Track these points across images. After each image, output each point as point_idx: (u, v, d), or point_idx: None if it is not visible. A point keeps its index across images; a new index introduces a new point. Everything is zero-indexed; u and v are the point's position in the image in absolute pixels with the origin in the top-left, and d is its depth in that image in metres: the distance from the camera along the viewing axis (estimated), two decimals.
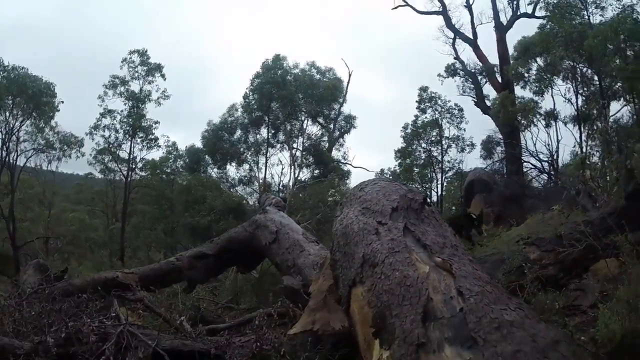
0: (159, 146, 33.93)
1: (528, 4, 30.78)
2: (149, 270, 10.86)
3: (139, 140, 32.63)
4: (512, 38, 30.64)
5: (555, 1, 26.09)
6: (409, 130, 34.02)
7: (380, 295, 4.17)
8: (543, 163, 24.81)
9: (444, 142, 33.22)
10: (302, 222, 22.87)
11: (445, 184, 33.90)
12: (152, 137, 33.08)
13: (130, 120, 32.07)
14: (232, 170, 36.75)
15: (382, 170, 37.16)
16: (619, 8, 23.73)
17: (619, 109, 24.59)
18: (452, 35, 33.18)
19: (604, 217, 9.72)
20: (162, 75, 32.70)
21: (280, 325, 7.69)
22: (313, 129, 37.85)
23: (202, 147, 36.29)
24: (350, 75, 38.86)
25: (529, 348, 3.16)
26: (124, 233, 30.91)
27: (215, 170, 36.74)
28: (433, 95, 33.68)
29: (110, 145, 32.51)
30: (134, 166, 33.19)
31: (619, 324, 5.65)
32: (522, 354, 3.11)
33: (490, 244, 12.57)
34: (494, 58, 31.53)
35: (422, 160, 33.82)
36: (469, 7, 32.32)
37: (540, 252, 9.14)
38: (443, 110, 33.45)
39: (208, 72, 71.02)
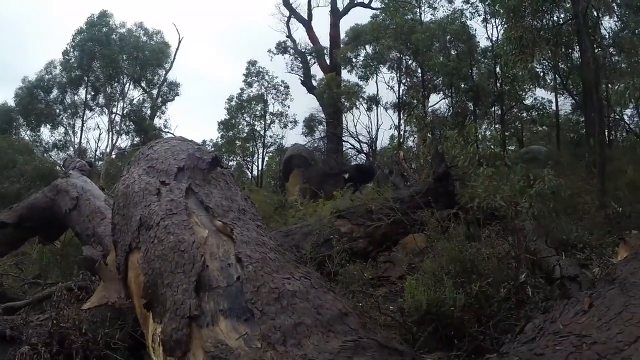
0: None
1: None
2: None
3: None
4: (346, 24, 31.36)
5: None
6: (233, 103, 33.70)
7: (152, 262, 3.71)
8: (362, 144, 25.67)
9: (267, 117, 33.24)
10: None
11: (266, 158, 33.88)
12: None
13: None
14: (46, 133, 34.04)
15: (204, 141, 36.35)
16: (449, 10, 25.31)
17: (437, 101, 26.19)
18: (287, 13, 33.22)
19: (413, 195, 10.09)
20: None
21: (82, 299, 7.16)
22: (135, 93, 36.14)
23: (14, 106, 33.22)
24: (180, 42, 37.56)
25: (312, 320, 2.90)
26: None
27: (28, 132, 33.83)
28: (261, 70, 33.63)
29: None
30: None
31: (424, 295, 5.78)
32: (303, 327, 2.84)
33: (301, 216, 12.70)
34: (325, 41, 32.09)
35: (245, 134, 33.55)
36: None
37: (351, 225, 9.24)
38: (269, 85, 33.50)
39: (32, 26, 65.65)
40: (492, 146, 9.33)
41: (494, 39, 23.35)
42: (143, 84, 35.86)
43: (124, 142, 34.89)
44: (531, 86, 23.08)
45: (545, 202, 8.28)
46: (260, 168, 33.59)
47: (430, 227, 8.59)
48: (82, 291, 6.89)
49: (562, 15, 16.90)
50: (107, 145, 32.79)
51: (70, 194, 9.42)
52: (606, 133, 18.44)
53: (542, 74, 21.50)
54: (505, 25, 15.73)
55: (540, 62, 18.42)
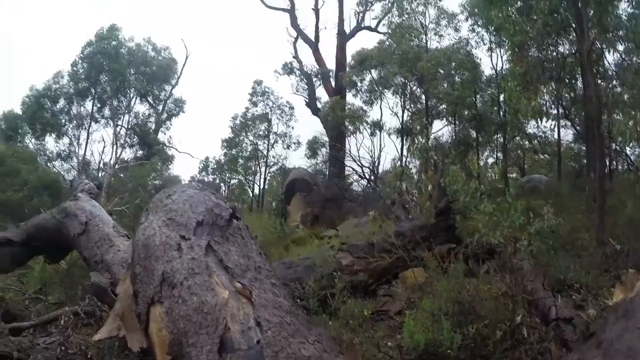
0: None
1: (373, 19, 32.02)
2: None
3: None
4: (352, 47, 31.46)
5: (398, 21, 27.29)
6: (237, 122, 33.96)
7: (177, 321, 3.92)
8: (364, 169, 25.59)
9: (271, 137, 33.40)
10: (121, 206, 22.08)
11: (268, 178, 34.07)
12: None
13: None
14: (51, 142, 34.03)
15: (207, 158, 36.72)
16: (455, 39, 25.54)
17: (440, 128, 26.17)
18: (295, 34, 33.36)
19: (414, 230, 10.23)
20: None
21: (88, 325, 7.26)
22: (141, 107, 36.45)
23: (21, 113, 33.38)
24: (187, 58, 38.06)
25: None
26: None
27: (33, 140, 33.83)
28: (266, 90, 33.90)
29: None
30: None
31: (423, 335, 5.92)
32: None
33: (304, 246, 12.82)
34: (331, 63, 32.20)
35: (248, 153, 33.72)
36: (316, 10, 32.60)
37: (353, 258, 9.41)
38: (274, 105, 33.78)
39: (41, 37, 66.35)
40: (494, 180, 9.38)
41: (498, 68, 23.51)
42: (149, 99, 36.06)
43: (127, 154, 35.05)
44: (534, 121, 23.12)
45: (543, 240, 8.38)
46: (261, 187, 33.82)
47: (430, 266, 8.73)
48: (89, 317, 7.06)
49: (566, 47, 17.06)
50: (110, 158, 32.60)
51: (79, 218, 9.53)
52: (607, 164, 18.52)
53: (545, 109, 21.51)
54: (510, 59, 15.83)
55: (543, 98, 18.43)
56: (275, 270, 8.81)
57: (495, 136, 24.55)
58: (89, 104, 34.07)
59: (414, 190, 13.41)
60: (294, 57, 33.41)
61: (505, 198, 8.49)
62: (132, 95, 35.43)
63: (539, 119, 19.61)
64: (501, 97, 22.74)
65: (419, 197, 12.94)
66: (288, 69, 33.26)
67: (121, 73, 33.43)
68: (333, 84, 31.08)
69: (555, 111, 22.15)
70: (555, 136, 24.30)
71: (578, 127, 21.46)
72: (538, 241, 8.18)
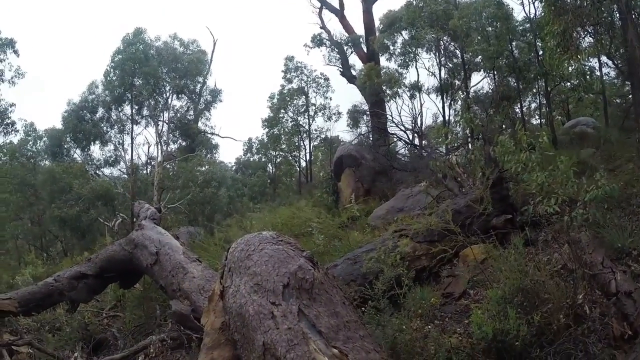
0: (17, 131, 31.94)
1: None
2: (28, 294, 10.21)
3: None
4: (379, 10, 30.93)
5: None
6: (275, 100, 34.31)
7: None
8: (407, 132, 25.22)
9: (310, 110, 33.78)
10: (174, 202, 22.70)
11: (312, 150, 34.48)
12: (9, 121, 30.86)
13: None
14: (96, 150, 35.02)
15: (249, 139, 37.74)
16: None
17: (479, 80, 25.77)
18: (319, 4, 32.94)
19: (469, 206, 10.43)
20: (15, 52, 29.71)
21: (175, 348, 7.71)
22: (178, 102, 37.25)
23: (62, 128, 34.35)
24: (215, 44, 38.81)
25: None
26: None
27: (78, 151, 34.84)
28: (299, 65, 34.19)
29: None
30: None
31: (490, 326, 6.18)
32: None
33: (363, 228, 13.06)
34: (359, 29, 31.63)
35: (290, 129, 34.19)
36: None
37: (414, 243, 9.69)
38: (309, 79, 34.11)
39: (64, 45, 67.69)
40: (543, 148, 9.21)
41: (531, 14, 22.74)
42: (186, 93, 36.77)
43: (172, 148, 35.82)
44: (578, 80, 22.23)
45: (598, 205, 8.33)
46: (307, 159, 34.51)
47: (487, 241, 8.96)
48: (174, 341, 7.54)
49: None
50: (157, 156, 33.05)
51: (149, 248, 9.95)
52: None
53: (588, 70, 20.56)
54: (545, 13, 15.19)
55: (586, 59, 17.58)
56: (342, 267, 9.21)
57: (537, 82, 23.96)
58: (127, 108, 34.69)
59: (463, 160, 13.42)
60: (321, 27, 33.01)
61: (556, 165, 8.37)
62: (168, 93, 36.20)
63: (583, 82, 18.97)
64: (538, 43, 22.11)
65: (470, 169, 12.96)
66: (318, 41, 32.91)
67: (154, 75, 33.91)
68: (365, 49, 30.63)
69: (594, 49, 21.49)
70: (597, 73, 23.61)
71: (620, 66, 20.76)
72: (593, 208, 8.13)
